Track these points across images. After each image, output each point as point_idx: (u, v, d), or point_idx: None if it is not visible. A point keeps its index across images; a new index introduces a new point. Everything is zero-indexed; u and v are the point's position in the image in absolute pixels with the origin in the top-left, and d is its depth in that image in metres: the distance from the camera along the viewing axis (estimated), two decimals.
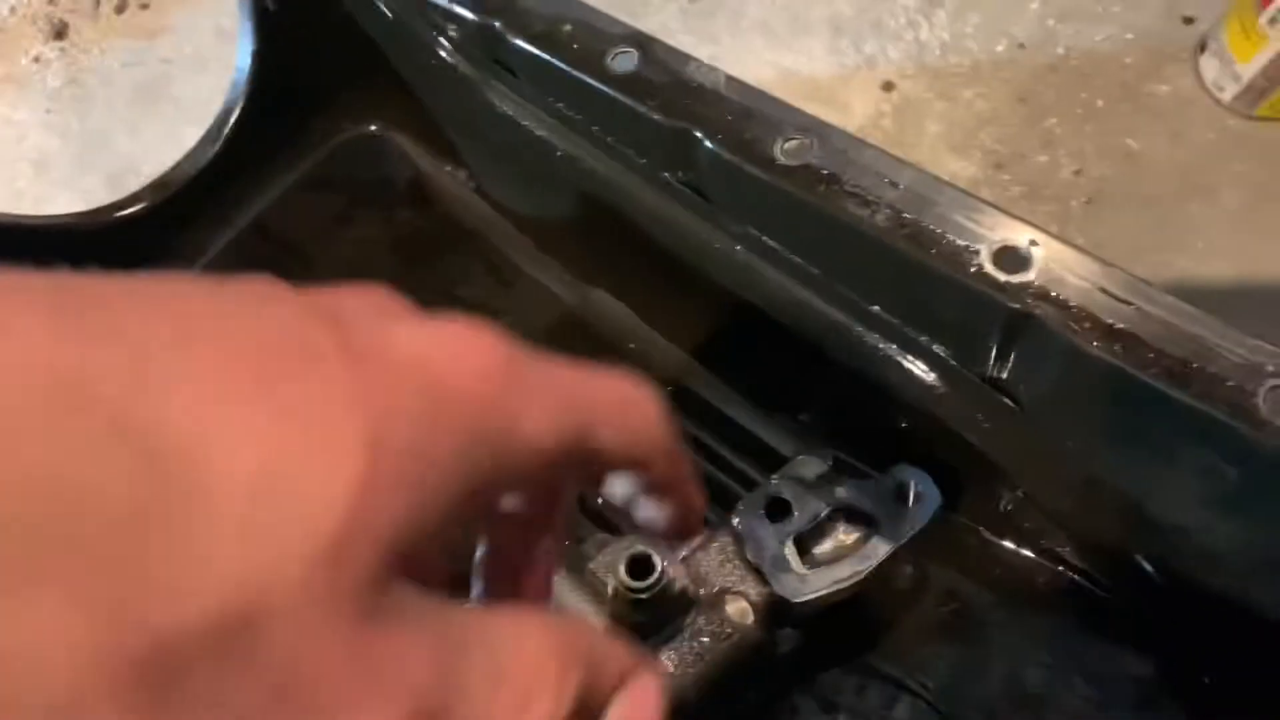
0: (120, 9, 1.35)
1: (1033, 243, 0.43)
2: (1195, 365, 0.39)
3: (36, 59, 1.33)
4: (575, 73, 0.55)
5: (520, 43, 0.58)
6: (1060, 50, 1.12)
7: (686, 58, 0.53)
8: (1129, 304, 0.41)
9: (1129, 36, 1.12)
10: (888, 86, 1.13)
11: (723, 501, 0.64)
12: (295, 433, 0.16)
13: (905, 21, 1.17)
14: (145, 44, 1.32)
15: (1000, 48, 1.13)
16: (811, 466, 0.52)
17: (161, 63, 1.30)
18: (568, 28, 0.57)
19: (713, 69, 0.53)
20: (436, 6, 0.64)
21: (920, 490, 0.49)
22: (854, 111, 1.12)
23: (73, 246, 0.71)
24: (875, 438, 0.60)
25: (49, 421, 0.15)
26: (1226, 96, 1.07)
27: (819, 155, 0.48)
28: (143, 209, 0.73)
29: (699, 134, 0.51)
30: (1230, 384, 0.38)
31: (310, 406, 0.17)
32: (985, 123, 1.08)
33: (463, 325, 0.21)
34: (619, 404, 0.24)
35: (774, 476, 0.52)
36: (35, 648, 0.14)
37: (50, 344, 0.15)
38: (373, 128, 0.81)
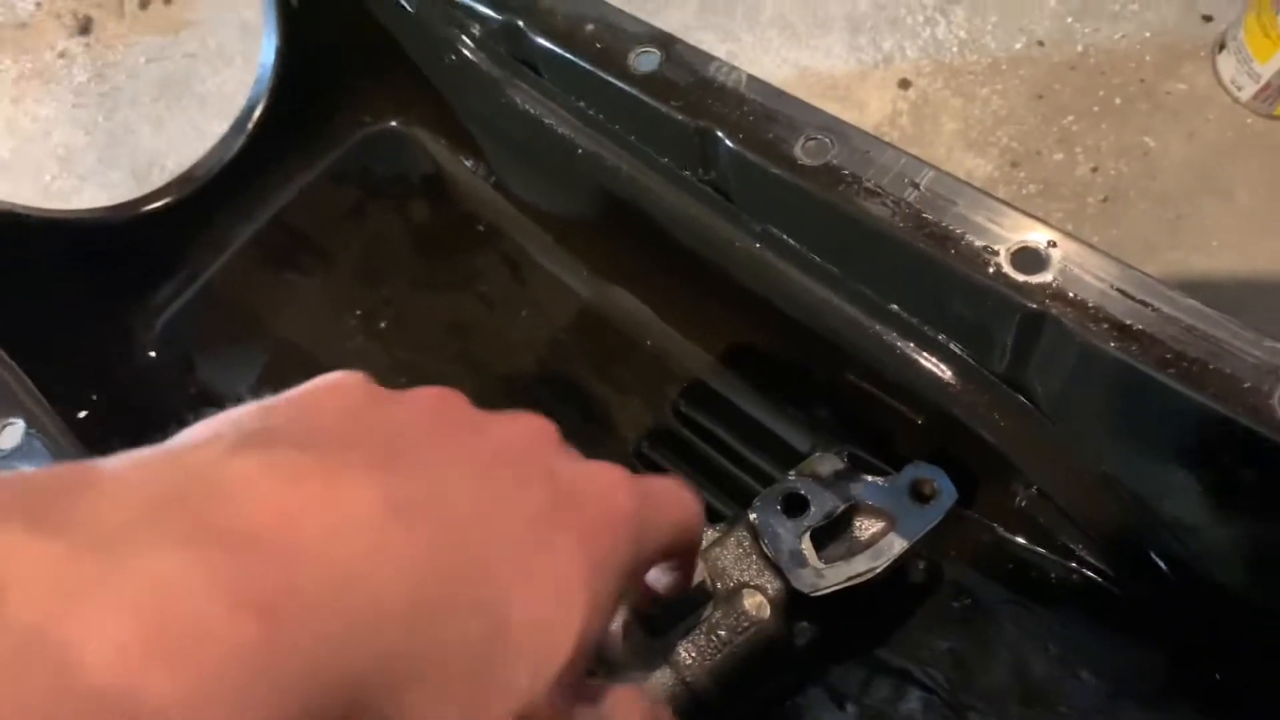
0: (144, 4, 1.36)
1: (1051, 243, 0.44)
2: (1212, 366, 0.39)
3: (62, 54, 1.34)
4: (598, 72, 0.56)
5: (543, 42, 0.59)
6: (1079, 48, 1.12)
7: (708, 58, 0.54)
8: (1146, 305, 0.41)
9: (1147, 34, 1.12)
10: (905, 84, 1.13)
11: (739, 496, 0.65)
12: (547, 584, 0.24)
13: (923, 19, 1.17)
14: (170, 39, 1.33)
15: (1018, 45, 1.13)
16: (828, 463, 0.52)
17: (186, 57, 1.32)
18: (590, 27, 0.57)
19: (734, 69, 0.53)
20: (459, 4, 0.65)
21: (936, 487, 0.50)
22: (871, 109, 1.12)
23: (100, 240, 0.72)
24: (891, 434, 0.60)
25: None
26: (1245, 95, 1.06)
27: (839, 155, 0.48)
28: (168, 203, 0.74)
29: (720, 134, 0.51)
30: (1247, 385, 0.39)
31: (553, 562, 0.24)
32: (1002, 120, 1.08)
33: (605, 465, 0.28)
34: (682, 505, 0.31)
35: (791, 473, 0.52)
36: None
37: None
38: (394, 123, 0.82)
